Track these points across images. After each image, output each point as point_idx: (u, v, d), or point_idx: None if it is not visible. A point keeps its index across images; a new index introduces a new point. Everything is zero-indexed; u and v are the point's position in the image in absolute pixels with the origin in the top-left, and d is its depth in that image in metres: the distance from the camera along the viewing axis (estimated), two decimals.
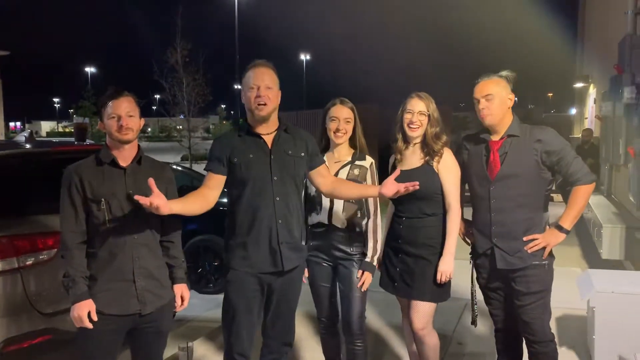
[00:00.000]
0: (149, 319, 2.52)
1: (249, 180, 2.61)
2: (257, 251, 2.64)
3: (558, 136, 2.81)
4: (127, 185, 2.48)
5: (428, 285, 2.90)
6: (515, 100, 2.86)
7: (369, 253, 2.99)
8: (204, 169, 2.74)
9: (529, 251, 2.77)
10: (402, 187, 2.55)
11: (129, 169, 2.51)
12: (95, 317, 2.38)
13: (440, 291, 2.94)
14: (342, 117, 2.97)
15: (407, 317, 3.09)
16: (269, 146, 2.66)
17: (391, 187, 2.58)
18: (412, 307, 2.96)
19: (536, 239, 2.77)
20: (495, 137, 2.83)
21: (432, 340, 3.00)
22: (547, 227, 2.87)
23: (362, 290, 2.98)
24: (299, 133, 2.78)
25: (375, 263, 3.01)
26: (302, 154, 2.71)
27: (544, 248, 2.79)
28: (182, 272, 2.68)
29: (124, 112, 2.44)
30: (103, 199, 2.42)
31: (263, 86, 2.58)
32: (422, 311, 2.94)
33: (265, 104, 2.58)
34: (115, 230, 2.44)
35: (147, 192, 2.42)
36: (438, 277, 2.86)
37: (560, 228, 2.80)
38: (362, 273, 2.98)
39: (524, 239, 2.78)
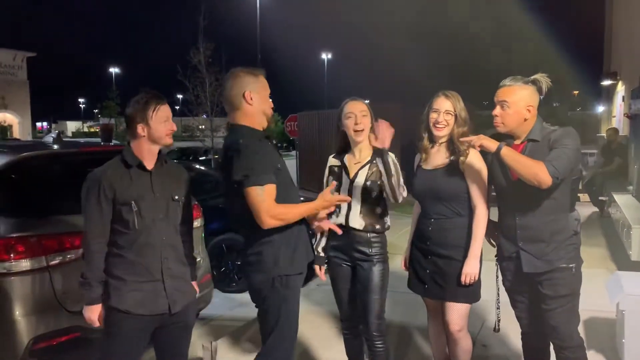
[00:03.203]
0: (176, 317, 2.56)
1: (285, 186, 2.59)
2: (307, 249, 2.69)
3: (570, 135, 2.65)
4: (154, 187, 2.52)
5: (462, 286, 2.87)
6: (540, 98, 2.78)
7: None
8: (265, 183, 2.41)
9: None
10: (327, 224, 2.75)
11: (154, 171, 2.55)
12: (101, 322, 2.48)
13: (474, 292, 2.92)
14: (358, 110, 2.95)
15: (438, 319, 3.07)
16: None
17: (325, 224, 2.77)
18: (448, 308, 2.93)
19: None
20: (517, 141, 2.78)
21: (467, 343, 2.99)
22: (578, 228, 2.79)
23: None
24: None
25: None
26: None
27: (573, 250, 2.72)
28: (195, 270, 2.78)
29: (170, 116, 2.54)
30: (133, 202, 2.44)
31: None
32: (459, 312, 2.92)
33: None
34: (144, 232, 2.47)
35: (172, 193, 2.53)
36: (462, 279, 2.83)
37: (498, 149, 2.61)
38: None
39: None
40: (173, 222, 2.56)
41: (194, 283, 2.74)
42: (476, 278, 2.85)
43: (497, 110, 2.73)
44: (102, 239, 2.45)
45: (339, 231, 2.77)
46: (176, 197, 2.58)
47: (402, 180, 2.86)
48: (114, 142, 4.47)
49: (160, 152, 2.59)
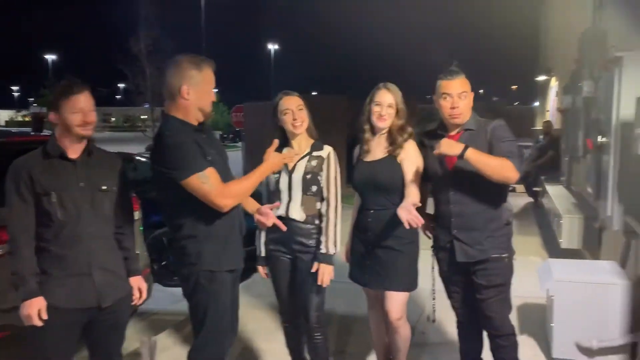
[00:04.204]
0: (107, 312, 2.48)
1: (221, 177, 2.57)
2: (237, 247, 2.61)
3: (505, 127, 2.77)
4: (78, 177, 2.43)
5: (401, 275, 2.93)
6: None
7: (323, 244, 2.90)
8: (196, 170, 2.35)
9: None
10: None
11: (80, 161, 2.45)
12: (45, 315, 2.32)
13: (411, 280, 2.98)
14: (294, 106, 2.95)
15: (378, 309, 3.12)
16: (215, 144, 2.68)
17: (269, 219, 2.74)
18: (387, 298, 2.98)
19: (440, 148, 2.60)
20: (452, 132, 2.85)
21: (406, 331, 3.05)
22: (510, 219, 2.90)
23: (324, 285, 2.92)
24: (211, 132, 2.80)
25: (331, 252, 2.90)
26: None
27: (505, 240, 2.83)
28: (137, 263, 2.67)
29: (87, 107, 2.40)
30: (53, 193, 2.35)
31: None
32: (398, 301, 2.97)
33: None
34: (68, 224, 2.38)
35: (99, 184, 2.44)
36: (403, 218, 2.61)
37: (466, 152, 2.59)
38: (318, 267, 2.89)
39: None
40: (101, 213, 2.47)
41: (135, 277, 2.65)
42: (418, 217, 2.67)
43: (457, 102, 2.75)
44: (28, 231, 2.35)
45: (283, 227, 2.74)
46: (104, 187, 2.48)
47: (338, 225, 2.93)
48: (45, 131, 4.29)
49: (89, 141, 2.50)
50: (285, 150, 3.01)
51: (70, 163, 2.43)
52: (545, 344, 3.86)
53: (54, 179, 2.38)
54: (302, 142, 3.01)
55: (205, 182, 2.34)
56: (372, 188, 2.96)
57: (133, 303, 2.67)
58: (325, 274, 2.89)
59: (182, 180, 2.33)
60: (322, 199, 2.97)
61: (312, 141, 3.02)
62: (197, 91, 2.46)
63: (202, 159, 2.38)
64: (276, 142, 2.79)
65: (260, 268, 3.14)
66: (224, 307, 2.55)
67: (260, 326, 4.32)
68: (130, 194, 2.72)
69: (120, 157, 2.77)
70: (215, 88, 2.58)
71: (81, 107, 2.38)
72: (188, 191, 2.37)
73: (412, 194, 2.85)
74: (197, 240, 2.47)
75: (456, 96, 2.76)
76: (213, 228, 2.48)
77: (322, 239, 2.91)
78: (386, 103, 2.92)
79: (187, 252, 2.48)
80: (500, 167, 2.59)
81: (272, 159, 2.65)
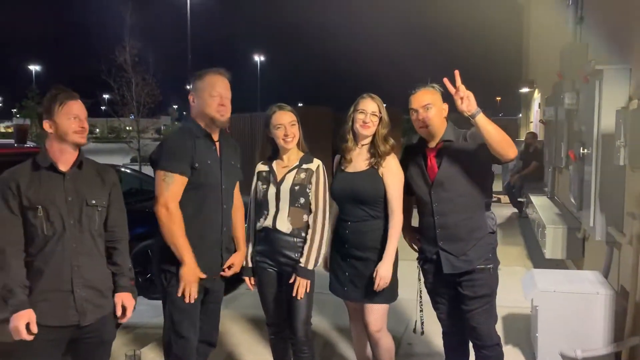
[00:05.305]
0: (89, 330, 2.43)
1: (205, 187, 2.69)
2: (204, 256, 2.74)
3: None
4: (67, 190, 2.39)
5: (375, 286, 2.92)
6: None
7: (303, 258, 2.90)
8: (165, 168, 2.66)
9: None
10: None
11: (69, 173, 2.41)
12: (35, 329, 2.28)
13: (391, 292, 2.98)
14: (287, 121, 2.96)
15: (359, 321, 3.10)
16: (218, 154, 2.79)
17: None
18: (367, 310, 2.97)
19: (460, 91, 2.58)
20: (431, 144, 2.89)
21: (387, 342, 3.04)
22: (494, 227, 2.92)
23: (298, 297, 2.89)
24: (235, 143, 3.01)
25: (310, 267, 2.90)
26: (239, 166, 2.95)
27: (490, 249, 2.85)
28: (126, 280, 2.58)
29: (82, 114, 2.40)
30: (40, 206, 2.32)
31: (225, 96, 2.77)
32: (377, 313, 2.96)
33: (225, 114, 2.77)
34: (53, 238, 2.34)
35: (88, 199, 2.41)
36: (376, 282, 2.85)
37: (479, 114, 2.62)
38: (295, 279, 2.89)
39: None
40: (87, 228, 2.42)
41: (122, 294, 2.54)
42: (388, 282, 2.88)
43: (422, 114, 2.81)
44: (17, 244, 2.31)
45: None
46: (93, 202, 2.43)
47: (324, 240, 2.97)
48: (29, 143, 4.24)
49: (79, 152, 2.47)
50: (274, 163, 3.01)
51: (59, 175, 2.39)
52: (530, 354, 3.88)
53: (41, 192, 2.34)
54: (291, 155, 3.02)
55: (166, 182, 2.62)
56: (351, 200, 2.97)
57: (118, 320, 2.58)
58: (301, 287, 2.89)
59: (154, 169, 2.63)
60: (309, 212, 2.97)
61: (301, 154, 3.03)
62: (199, 97, 2.75)
63: (180, 162, 2.63)
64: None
65: (247, 279, 3.13)
66: (180, 309, 2.74)
67: (246, 338, 4.28)
68: (123, 208, 2.63)
69: (114, 169, 2.75)
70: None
71: (77, 113, 2.37)
72: None
73: (397, 209, 2.90)
74: (161, 238, 2.71)
75: (421, 109, 2.81)
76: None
77: (304, 252, 2.91)
78: (370, 110, 2.94)
79: (153, 248, 2.79)
80: (504, 141, 2.62)
81: (187, 277, 2.69)
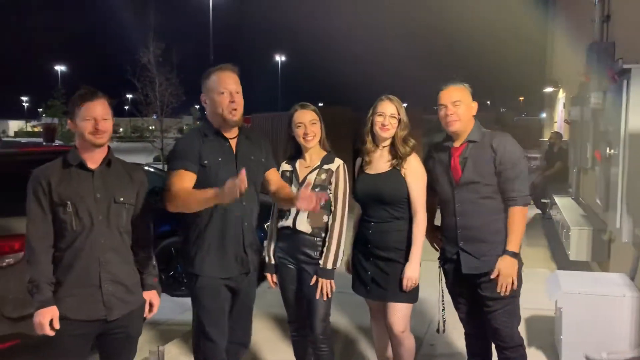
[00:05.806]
0: (116, 325, 2.48)
1: (218, 184, 2.60)
2: (226, 255, 2.71)
3: (514, 146, 2.81)
4: (95, 187, 2.44)
5: (402, 286, 2.92)
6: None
7: (323, 259, 2.92)
8: (171, 168, 2.65)
9: (502, 293, 2.76)
10: (314, 202, 2.38)
11: (97, 171, 2.46)
12: (57, 325, 2.33)
13: (414, 292, 2.98)
14: (307, 120, 2.98)
15: (380, 320, 3.11)
16: (234, 150, 2.74)
17: (303, 202, 2.41)
18: (390, 309, 2.98)
19: (499, 279, 2.74)
20: (456, 144, 2.88)
21: (410, 343, 3.04)
22: None
23: (324, 298, 2.93)
24: (257, 137, 2.91)
25: (329, 267, 2.93)
26: (262, 159, 2.84)
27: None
28: (152, 278, 2.65)
29: (100, 115, 2.41)
30: (69, 202, 2.37)
31: (234, 91, 2.66)
32: (401, 313, 2.97)
33: (237, 109, 2.67)
34: (82, 234, 2.39)
35: (116, 196, 2.45)
36: (404, 283, 2.88)
37: (511, 254, 2.76)
38: (317, 281, 2.93)
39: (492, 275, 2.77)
40: (115, 224, 2.47)
41: (147, 292, 2.61)
42: (417, 282, 2.92)
43: (451, 109, 2.81)
44: (46, 240, 2.37)
45: (317, 210, 2.48)
46: (121, 199, 2.48)
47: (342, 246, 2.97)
48: (57, 142, 4.34)
49: (109, 151, 2.52)
50: (297, 163, 3.03)
51: (89, 173, 2.45)
52: (554, 356, 3.83)
53: (70, 188, 2.39)
54: (313, 155, 3.05)
55: (170, 179, 2.60)
56: (374, 201, 2.98)
57: (144, 316, 2.64)
58: (324, 288, 2.92)
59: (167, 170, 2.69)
60: (330, 212, 2.98)
61: (324, 153, 3.04)
62: (209, 97, 2.69)
63: (184, 160, 2.60)
64: (244, 171, 2.29)
65: (269, 276, 3.15)
66: (206, 310, 2.71)
67: (269, 336, 4.32)
68: (149, 207, 2.65)
69: (142, 168, 2.79)
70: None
71: (93, 114, 2.39)
72: None
73: (420, 209, 2.90)
74: (186, 241, 2.73)
75: (450, 104, 2.81)
76: (202, 234, 2.67)
77: (324, 252, 2.93)
78: (388, 113, 2.94)
79: (181, 250, 2.78)
80: (524, 220, 2.80)
81: (225, 195, 2.31)
